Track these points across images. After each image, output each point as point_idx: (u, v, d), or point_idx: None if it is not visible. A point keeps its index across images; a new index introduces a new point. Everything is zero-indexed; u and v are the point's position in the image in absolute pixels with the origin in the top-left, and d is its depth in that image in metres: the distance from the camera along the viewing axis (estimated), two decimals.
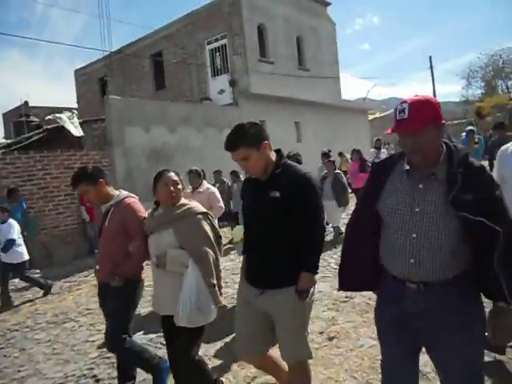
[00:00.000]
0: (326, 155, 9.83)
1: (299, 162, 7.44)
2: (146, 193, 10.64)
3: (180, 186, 2.84)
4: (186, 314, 2.55)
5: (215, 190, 5.80)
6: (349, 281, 2.06)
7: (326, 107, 16.73)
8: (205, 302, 2.60)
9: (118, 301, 3.05)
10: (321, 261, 2.43)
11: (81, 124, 11.01)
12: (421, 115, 1.61)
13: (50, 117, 10.46)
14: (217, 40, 14.56)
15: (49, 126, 10.94)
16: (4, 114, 30.33)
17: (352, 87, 67.23)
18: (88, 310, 5.88)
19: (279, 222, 2.33)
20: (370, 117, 20.89)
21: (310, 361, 2.52)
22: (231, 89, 13.96)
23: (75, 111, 10.82)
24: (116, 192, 3.31)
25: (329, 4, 18.48)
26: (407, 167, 1.76)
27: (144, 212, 3.14)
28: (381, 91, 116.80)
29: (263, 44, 14.81)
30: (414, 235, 1.69)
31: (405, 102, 1.65)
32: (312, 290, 2.42)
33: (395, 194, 1.78)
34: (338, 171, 8.38)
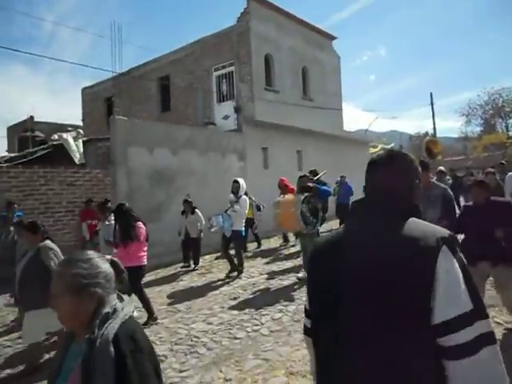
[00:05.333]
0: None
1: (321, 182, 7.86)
2: (147, 213, 10.70)
3: None
4: None
5: None
6: None
7: (328, 137, 16.95)
8: None
9: None
10: None
11: (85, 142, 11.15)
12: None
13: (56, 136, 10.59)
14: (224, 67, 14.86)
15: (54, 142, 11.08)
16: (8, 128, 30.62)
17: (354, 118, 68.09)
18: None
19: None
20: (371, 150, 21.10)
21: None
22: (236, 115, 14.16)
23: (81, 131, 10.96)
24: None
25: (334, 38, 18.93)
26: None
27: None
28: (382, 123, 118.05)
29: (269, 73, 15.11)
30: None
31: None
32: None
33: None
34: None
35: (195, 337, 5.08)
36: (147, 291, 7.51)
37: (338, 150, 17.52)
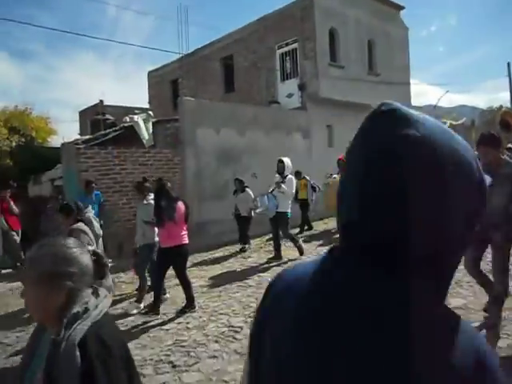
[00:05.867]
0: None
1: None
2: (214, 191, 10.90)
3: None
4: None
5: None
6: None
7: None
8: None
9: None
10: None
11: (154, 123, 11.51)
12: None
13: (127, 119, 11.00)
14: (287, 44, 14.65)
15: (125, 124, 11.53)
16: (80, 112, 32.42)
17: (421, 92, 65.07)
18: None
19: None
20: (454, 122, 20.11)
21: None
22: (300, 93, 14.00)
23: (151, 113, 11.30)
24: None
25: (402, 8, 18.02)
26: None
27: None
28: (451, 98, 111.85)
29: (334, 48, 14.71)
30: None
31: None
32: None
33: None
34: None
35: None
36: (218, 267, 7.78)
37: None
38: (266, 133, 12.28)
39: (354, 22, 15.27)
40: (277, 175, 7.92)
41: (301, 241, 8.51)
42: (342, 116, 14.12)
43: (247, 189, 9.28)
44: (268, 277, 6.76)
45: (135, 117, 10.64)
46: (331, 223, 11.47)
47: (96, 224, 6.59)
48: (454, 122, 25.40)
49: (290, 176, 7.91)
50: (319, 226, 11.50)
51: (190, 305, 5.47)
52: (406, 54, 17.75)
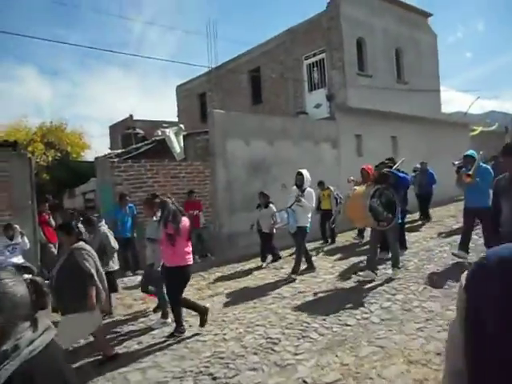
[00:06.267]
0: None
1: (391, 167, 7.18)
2: (244, 203, 10.94)
3: None
4: None
5: None
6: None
7: (425, 121, 16.10)
8: None
9: None
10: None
11: (185, 136, 11.70)
12: None
13: (159, 132, 11.21)
14: (315, 55, 14.71)
15: (157, 138, 11.76)
16: (110, 127, 33.38)
17: (449, 99, 64.01)
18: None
19: None
20: (472, 132, 19.67)
21: None
22: (328, 103, 13.99)
23: (182, 126, 11.48)
24: None
25: (430, 15, 17.88)
26: None
27: None
28: (479, 104, 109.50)
29: (361, 57, 14.68)
30: None
31: None
32: None
33: None
34: None
35: (305, 322, 5.13)
36: (251, 278, 7.78)
37: (436, 135, 16.55)
38: (295, 143, 12.29)
39: (382, 30, 15.22)
40: (294, 187, 7.61)
41: (312, 256, 8.29)
42: (370, 125, 14.02)
43: (271, 205, 8.96)
44: (302, 288, 6.73)
45: (167, 130, 10.84)
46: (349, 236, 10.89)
47: (111, 237, 6.53)
48: (484, 129, 24.86)
49: (308, 189, 7.50)
50: (339, 239, 10.85)
51: (178, 329, 5.15)
52: (435, 60, 17.56)
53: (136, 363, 4.45)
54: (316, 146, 12.90)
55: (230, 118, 11.27)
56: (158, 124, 28.72)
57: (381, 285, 6.38)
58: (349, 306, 5.57)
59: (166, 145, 11.12)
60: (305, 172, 7.59)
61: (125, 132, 19.26)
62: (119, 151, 14.05)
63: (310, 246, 9.24)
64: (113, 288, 6.16)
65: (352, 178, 7.69)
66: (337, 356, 4.11)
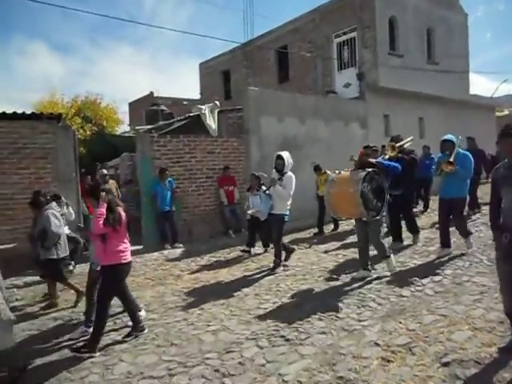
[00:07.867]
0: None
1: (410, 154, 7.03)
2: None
3: None
4: None
5: None
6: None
7: (452, 103, 16.02)
8: None
9: None
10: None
11: (218, 113, 11.79)
12: None
13: (196, 108, 11.30)
14: (345, 33, 14.62)
15: (191, 114, 11.87)
16: (130, 103, 33.59)
17: (472, 81, 62.90)
18: (248, 281, 6.42)
19: None
20: (499, 114, 19.56)
21: None
22: (358, 82, 13.96)
23: (217, 103, 11.54)
24: None
25: None
26: None
27: None
28: (509, 87, 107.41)
29: (393, 37, 14.58)
30: None
31: None
32: None
33: None
34: None
35: (361, 293, 5.32)
36: (295, 250, 7.87)
37: (463, 117, 16.48)
38: (326, 122, 12.36)
39: (413, 9, 15.05)
40: (274, 171, 6.90)
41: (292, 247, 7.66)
42: (399, 105, 14.03)
43: (263, 187, 7.77)
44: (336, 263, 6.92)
45: (203, 107, 10.93)
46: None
47: (56, 221, 5.81)
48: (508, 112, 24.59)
49: (289, 173, 6.77)
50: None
51: (136, 328, 4.62)
52: (465, 41, 17.37)
53: (204, 326, 4.68)
54: (346, 125, 12.95)
55: (264, 95, 11.34)
56: (178, 101, 28.90)
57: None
58: (398, 279, 5.75)
59: (199, 121, 11.23)
60: (286, 156, 6.80)
61: (149, 108, 19.39)
62: (149, 126, 14.19)
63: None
64: (57, 277, 5.95)
65: (355, 157, 6.48)
66: (401, 323, 4.29)
